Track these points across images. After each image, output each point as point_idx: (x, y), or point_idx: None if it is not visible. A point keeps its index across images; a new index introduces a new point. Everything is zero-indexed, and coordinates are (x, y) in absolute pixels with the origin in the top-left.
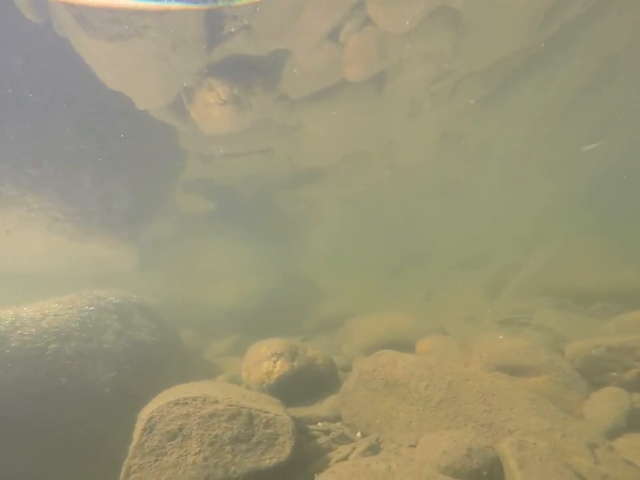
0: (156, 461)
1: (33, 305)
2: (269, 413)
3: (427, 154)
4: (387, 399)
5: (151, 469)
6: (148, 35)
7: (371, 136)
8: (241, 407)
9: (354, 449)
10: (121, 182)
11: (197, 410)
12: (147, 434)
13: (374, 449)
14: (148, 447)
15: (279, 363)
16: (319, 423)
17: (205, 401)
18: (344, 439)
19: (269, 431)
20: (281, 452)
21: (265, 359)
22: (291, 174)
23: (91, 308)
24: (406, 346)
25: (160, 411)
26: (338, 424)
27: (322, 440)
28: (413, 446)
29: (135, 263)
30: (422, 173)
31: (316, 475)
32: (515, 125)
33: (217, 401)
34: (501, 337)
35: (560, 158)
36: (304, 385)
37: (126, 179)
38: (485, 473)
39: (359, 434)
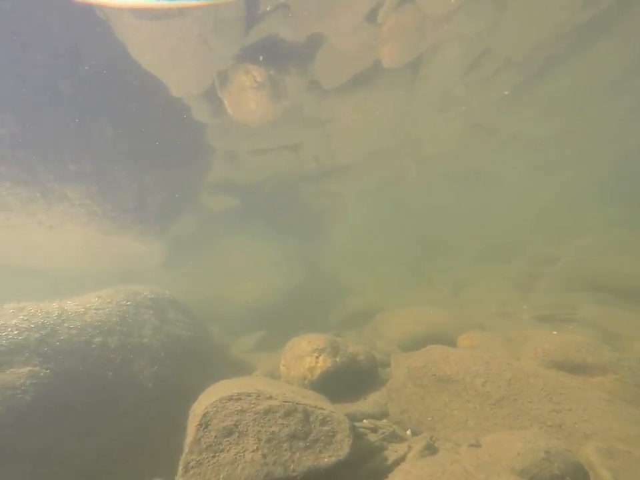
0: (213, 457)
1: (75, 299)
2: (324, 409)
3: (454, 144)
4: (439, 396)
5: (209, 465)
6: (191, 14)
7: (401, 127)
8: (297, 404)
9: (410, 447)
10: (154, 178)
11: (252, 406)
12: (203, 430)
13: (431, 448)
14: (205, 443)
15: (321, 358)
16: (365, 420)
17: (259, 396)
18: (394, 437)
19: (325, 428)
20: (340, 450)
21: (307, 355)
22: (316, 169)
23: (129, 303)
24: (445, 341)
25: (214, 407)
26: (384, 421)
27: (373, 438)
28: (475, 446)
29: (162, 260)
30: (448, 163)
31: (389, 475)
32: (546, 113)
33: (271, 397)
34: (555, 333)
35: (586, 147)
36: (346, 381)
37: (159, 175)
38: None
39: (408, 432)
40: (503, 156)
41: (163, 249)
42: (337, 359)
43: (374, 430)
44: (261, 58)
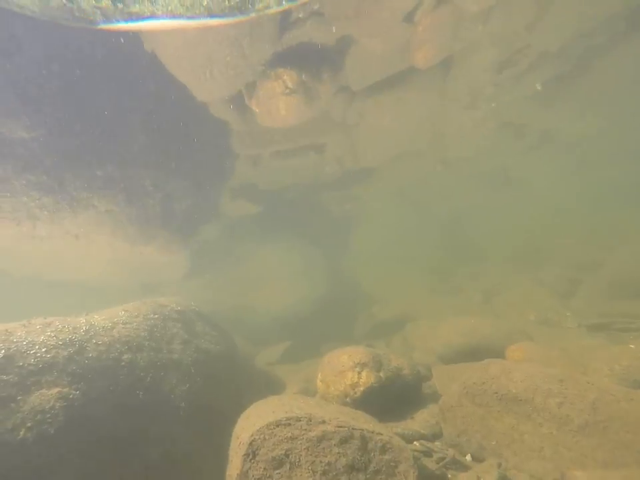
0: None
1: (102, 312)
2: (382, 435)
3: (483, 145)
4: (503, 417)
5: None
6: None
7: (429, 128)
8: (352, 429)
9: (479, 478)
10: (180, 184)
11: (303, 432)
12: (250, 460)
13: None
14: (253, 476)
15: (364, 373)
16: (416, 442)
17: (311, 421)
18: (455, 464)
19: (386, 457)
20: None
21: (348, 369)
22: (340, 174)
23: (156, 316)
24: (490, 353)
25: (261, 434)
26: (438, 443)
27: (431, 465)
28: None
29: (185, 270)
30: (476, 165)
31: None
32: (583, 111)
33: (323, 422)
34: (632, 346)
35: (623, 147)
36: (390, 397)
37: (185, 181)
38: None
39: (468, 457)
40: (534, 157)
41: (186, 258)
42: (381, 374)
43: (427, 454)
44: (293, 63)
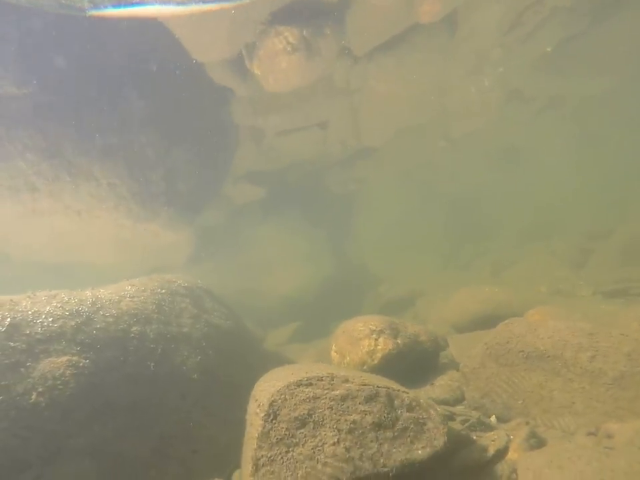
0: (287, 452)
1: (108, 287)
2: (408, 393)
3: (490, 117)
4: (530, 376)
5: (283, 462)
6: None
7: (434, 99)
8: (377, 387)
9: (508, 436)
10: (183, 156)
11: (326, 391)
12: (271, 421)
13: (537, 437)
14: (275, 437)
15: (381, 340)
16: (438, 407)
17: (333, 380)
18: (481, 425)
19: (413, 414)
20: (434, 439)
21: (364, 337)
22: (343, 153)
23: (163, 290)
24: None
25: (281, 394)
26: (460, 407)
27: (456, 426)
28: (594, 434)
29: (190, 252)
30: (481, 140)
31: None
32: (597, 73)
33: (347, 380)
34: None
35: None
36: (408, 364)
37: (188, 154)
38: None
39: (493, 418)
40: (542, 128)
41: (190, 240)
42: (399, 341)
43: (450, 418)
44: (295, 19)
